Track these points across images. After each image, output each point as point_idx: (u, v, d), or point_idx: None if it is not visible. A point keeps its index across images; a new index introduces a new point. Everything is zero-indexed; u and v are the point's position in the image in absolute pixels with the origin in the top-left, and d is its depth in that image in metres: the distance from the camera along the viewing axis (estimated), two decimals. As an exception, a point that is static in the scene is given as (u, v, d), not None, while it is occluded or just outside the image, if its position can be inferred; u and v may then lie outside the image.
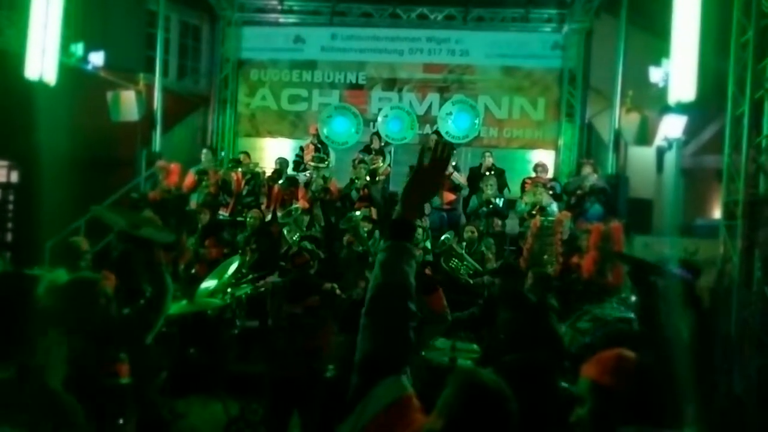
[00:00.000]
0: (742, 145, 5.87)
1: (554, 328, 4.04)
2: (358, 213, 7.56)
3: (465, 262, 6.57)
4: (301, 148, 9.89)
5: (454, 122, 9.91)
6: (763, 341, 5.41)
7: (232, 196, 8.57)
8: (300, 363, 3.99)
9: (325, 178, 8.25)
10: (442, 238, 6.86)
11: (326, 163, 8.68)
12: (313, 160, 8.60)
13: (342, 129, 10.11)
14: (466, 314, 4.52)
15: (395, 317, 1.41)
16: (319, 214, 8.06)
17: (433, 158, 1.54)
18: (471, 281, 6.49)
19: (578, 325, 4.70)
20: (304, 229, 7.51)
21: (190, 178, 8.64)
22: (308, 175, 8.68)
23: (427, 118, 11.13)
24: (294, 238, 7.18)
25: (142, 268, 4.09)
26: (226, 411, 4.68)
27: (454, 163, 8.73)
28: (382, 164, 8.67)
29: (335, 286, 4.28)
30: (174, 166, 8.77)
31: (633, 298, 6.08)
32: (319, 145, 9.62)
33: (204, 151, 9.27)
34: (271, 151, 11.07)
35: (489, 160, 8.88)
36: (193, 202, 8.74)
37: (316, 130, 9.89)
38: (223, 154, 11.09)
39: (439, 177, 1.55)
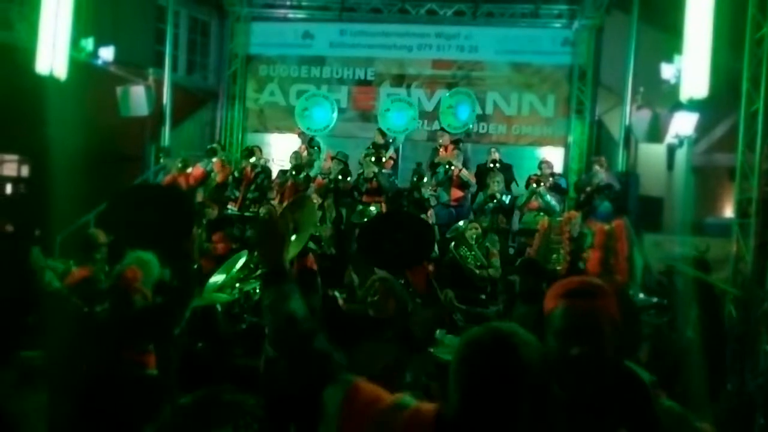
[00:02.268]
0: (756, 142, 5.81)
1: None
2: (372, 208, 7.55)
3: (473, 252, 6.60)
4: (296, 152, 9.93)
5: (456, 114, 9.85)
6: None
7: (241, 188, 8.59)
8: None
9: (343, 169, 8.28)
10: (457, 224, 6.92)
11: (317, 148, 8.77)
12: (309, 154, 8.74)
13: (320, 116, 10.08)
14: (492, 311, 4.50)
15: (299, 344, 1.55)
16: (332, 205, 8.05)
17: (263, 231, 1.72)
18: (477, 271, 6.51)
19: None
20: (318, 224, 7.51)
21: (198, 170, 8.64)
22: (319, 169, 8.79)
23: (435, 115, 11.08)
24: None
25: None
26: (233, 405, 4.68)
27: (462, 160, 8.71)
28: (385, 154, 8.74)
29: (338, 294, 4.03)
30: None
31: (641, 296, 6.07)
32: (310, 142, 9.68)
33: (214, 145, 9.33)
34: (279, 147, 11.08)
35: (495, 155, 8.86)
36: (199, 195, 8.74)
37: (299, 130, 9.94)
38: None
39: (273, 240, 1.67)
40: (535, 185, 7.91)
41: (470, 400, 1.23)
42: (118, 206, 2.50)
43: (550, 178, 8.40)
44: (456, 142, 9.24)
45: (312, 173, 8.80)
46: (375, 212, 7.44)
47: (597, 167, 8.40)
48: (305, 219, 2.13)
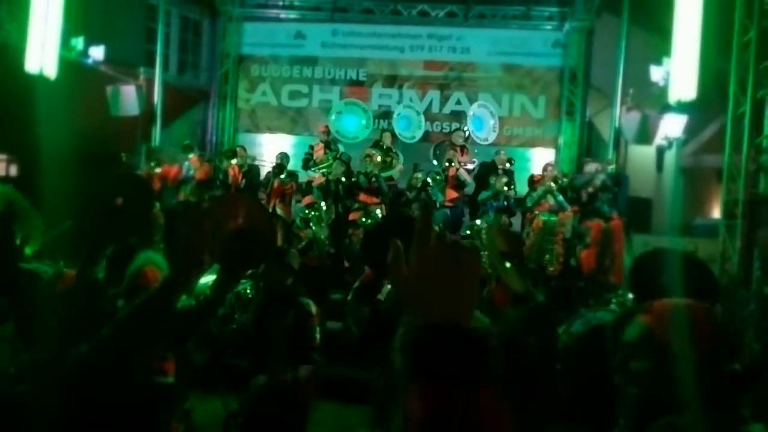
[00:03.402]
0: (743, 144, 5.88)
1: (552, 329, 4.06)
2: (378, 211, 7.58)
3: (487, 252, 6.66)
4: (311, 147, 9.83)
5: (474, 124, 9.80)
6: (762, 340, 5.42)
7: (231, 190, 8.55)
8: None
9: (345, 171, 8.28)
10: (473, 222, 6.94)
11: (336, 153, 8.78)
12: (326, 157, 8.72)
13: (351, 124, 10.01)
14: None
15: None
16: (331, 205, 8.05)
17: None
18: (490, 270, 6.56)
19: (571, 330, 4.72)
20: (327, 225, 7.51)
21: (174, 168, 8.60)
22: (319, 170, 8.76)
23: (427, 116, 11.10)
24: (322, 237, 7.16)
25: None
26: (224, 406, 4.68)
27: (462, 163, 8.72)
28: (397, 162, 8.72)
29: (310, 302, 3.91)
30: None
31: (630, 296, 6.11)
32: (330, 143, 9.58)
33: (189, 142, 9.32)
34: (271, 147, 11.05)
35: (503, 157, 8.80)
36: (181, 194, 8.69)
37: (326, 128, 9.75)
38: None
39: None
40: (552, 184, 7.89)
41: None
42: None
43: (564, 179, 8.45)
44: (465, 145, 9.27)
45: (317, 172, 8.74)
46: (380, 214, 7.47)
47: (595, 167, 8.43)
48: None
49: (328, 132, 9.50)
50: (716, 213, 8.97)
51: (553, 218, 7.39)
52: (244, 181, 8.58)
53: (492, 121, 9.83)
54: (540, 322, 3.87)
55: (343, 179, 8.13)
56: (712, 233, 7.07)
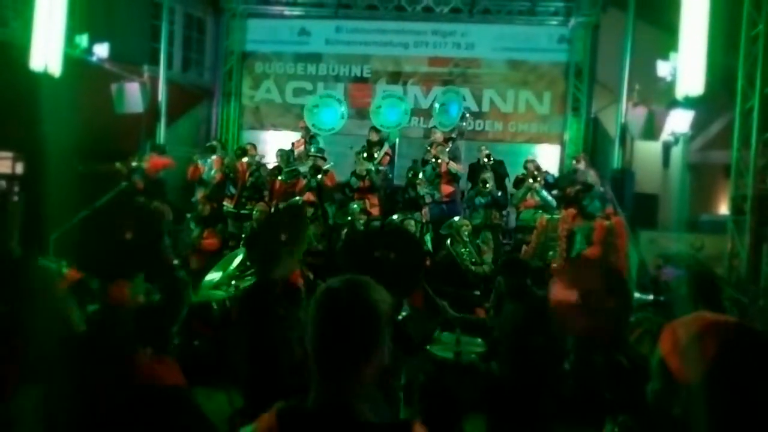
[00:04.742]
0: (752, 139, 5.83)
1: (550, 325, 4.04)
2: (355, 206, 7.57)
3: (467, 249, 6.64)
4: (293, 144, 9.88)
5: (447, 112, 9.78)
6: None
7: (237, 186, 8.58)
8: None
9: (323, 170, 8.26)
10: (452, 220, 6.94)
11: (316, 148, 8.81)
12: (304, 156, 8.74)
13: (327, 117, 9.99)
14: (481, 320, 4.54)
15: None
16: (317, 202, 8.06)
17: None
18: (473, 268, 6.55)
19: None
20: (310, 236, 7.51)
21: (157, 160, 8.63)
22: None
23: (431, 112, 11.07)
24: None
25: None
26: (230, 402, 4.68)
27: (450, 155, 8.71)
28: (378, 154, 8.73)
29: None
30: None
31: (636, 295, 6.07)
32: (310, 139, 9.60)
33: (214, 143, 9.33)
34: (275, 144, 11.04)
35: (485, 152, 8.86)
36: (200, 193, 8.71)
37: (305, 124, 9.84)
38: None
39: None
40: (531, 181, 7.91)
41: (326, 341, 1.29)
42: None
43: (538, 174, 8.41)
44: (448, 141, 9.23)
45: (303, 169, 8.79)
46: (357, 209, 7.45)
47: (574, 163, 8.44)
48: (299, 233, 2.03)
49: (307, 127, 9.56)
50: (723, 209, 8.92)
51: (556, 216, 7.37)
52: (250, 179, 8.60)
53: (461, 105, 9.77)
54: (540, 317, 3.85)
55: (319, 177, 8.14)
56: (718, 229, 7.02)
